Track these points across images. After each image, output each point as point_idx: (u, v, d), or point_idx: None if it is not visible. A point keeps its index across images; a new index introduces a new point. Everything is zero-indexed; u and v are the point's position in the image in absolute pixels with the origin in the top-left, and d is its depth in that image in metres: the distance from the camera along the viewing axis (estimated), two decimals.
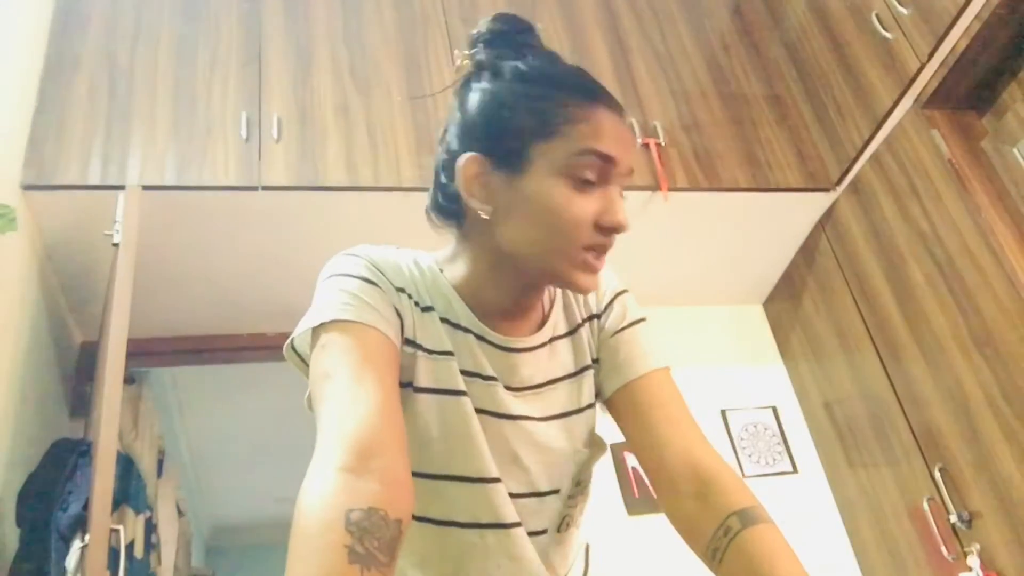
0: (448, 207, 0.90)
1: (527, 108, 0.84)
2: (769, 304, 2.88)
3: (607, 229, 0.82)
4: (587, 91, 0.85)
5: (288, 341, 0.88)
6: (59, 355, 2.21)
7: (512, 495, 0.88)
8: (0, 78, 1.88)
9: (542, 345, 0.94)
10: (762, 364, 2.78)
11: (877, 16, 2.22)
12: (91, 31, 2.17)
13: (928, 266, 2.13)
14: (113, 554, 1.65)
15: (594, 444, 0.98)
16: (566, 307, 0.98)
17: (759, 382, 2.73)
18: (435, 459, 0.86)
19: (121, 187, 1.88)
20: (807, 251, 2.62)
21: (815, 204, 2.51)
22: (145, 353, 2.33)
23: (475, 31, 0.92)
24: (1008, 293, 1.89)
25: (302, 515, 0.65)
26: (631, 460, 2.42)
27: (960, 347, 2.02)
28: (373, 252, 0.91)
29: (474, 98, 0.88)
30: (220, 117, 2.11)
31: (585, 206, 0.81)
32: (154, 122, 2.06)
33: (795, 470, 2.58)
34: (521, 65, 0.87)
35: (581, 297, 0.99)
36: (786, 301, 2.76)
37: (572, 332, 0.97)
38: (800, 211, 2.53)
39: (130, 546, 2.13)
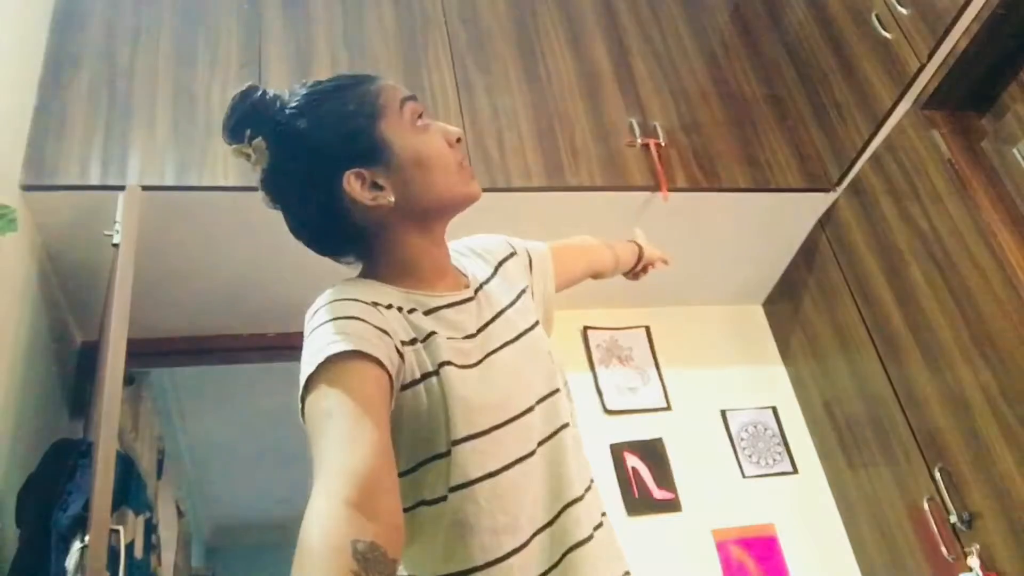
0: (352, 240, 1.02)
1: (350, 110, 0.98)
2: (769, 304, 2.88)
3: (455, 142, 1.02)
4: (363, 77, 1.03)
5: (299, 401, 0.86)
6: (59, 355, 2.21)
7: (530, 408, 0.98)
8: (0, 78, 1.88)
9: (477, 291, 1.07)
10: (762, 364, 2.78)
11: (877, 16, 2.22)
12: (91, 31, 2.16)
13: (928, 266, 2.13)
14: (113, 554, 1.64)
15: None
16: (459, 269, 1.10)
17: (759, 382, 2.73)
18: (486, 416, 0.93)
19: (121, 187, 1.87)
20: (807, 251, 2.62)
21: (815, 204, 2.51)
22: (145, 353, 2.32)
23: (227, 129, 1.03)
24: (1008, 293, 1.89)
25: (309, 538, 0.67)
26: (631, 460, 2.42)
27: (960, 347, 2.02)
28: (346, 291, 0.96)
29: (292, 155, 0.98)
30: (220, 117, 2.09)
31: (436, 137, 1.01)
32: (154, 122, 2.06)
33: (795, 470, 2.58)
34: (297, 100, 1.00)
35: (468, 261, 1.13)
36: (786, 301, 2.76)
37: (492, 277, 1.12)
38: (800, 211, 2.53)
39: (130, 546, 2.13)
